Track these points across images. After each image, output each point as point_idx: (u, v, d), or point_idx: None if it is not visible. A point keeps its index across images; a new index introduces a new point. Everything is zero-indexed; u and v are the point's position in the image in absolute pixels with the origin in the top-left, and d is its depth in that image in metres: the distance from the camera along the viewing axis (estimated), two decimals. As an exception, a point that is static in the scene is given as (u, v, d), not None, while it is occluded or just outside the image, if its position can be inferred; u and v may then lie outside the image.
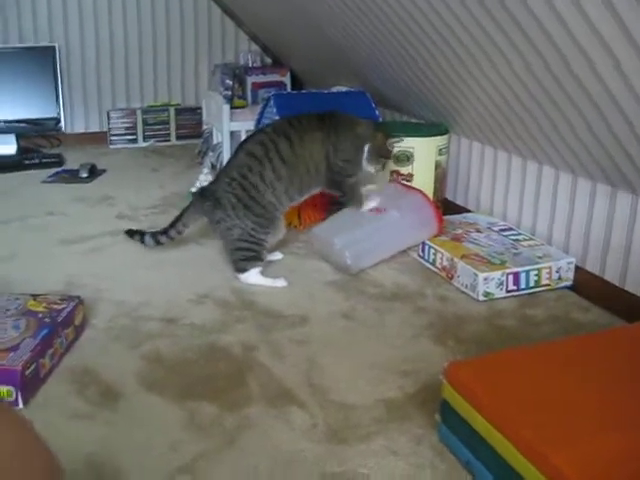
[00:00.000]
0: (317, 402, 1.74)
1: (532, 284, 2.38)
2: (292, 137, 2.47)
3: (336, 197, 2.64)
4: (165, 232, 2.53)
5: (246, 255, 2.43)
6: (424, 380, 1.83)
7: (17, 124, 4.16)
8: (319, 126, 2.53)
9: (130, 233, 2.61)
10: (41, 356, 1.78)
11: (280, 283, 2.43)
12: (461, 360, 1.85)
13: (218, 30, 4.82)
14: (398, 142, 2.66)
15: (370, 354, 1.98)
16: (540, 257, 2.44)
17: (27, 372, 1.70)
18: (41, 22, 4.37)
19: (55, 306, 1.97)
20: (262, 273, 2.44)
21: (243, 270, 2.43)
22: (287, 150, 2.45)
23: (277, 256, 2.63)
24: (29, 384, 1.72)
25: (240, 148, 2.52)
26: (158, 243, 2.55)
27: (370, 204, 2.61)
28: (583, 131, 2.16)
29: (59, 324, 1.90)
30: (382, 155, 2.61)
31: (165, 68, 4.74)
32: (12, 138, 4.13)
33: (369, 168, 2.61)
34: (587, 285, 2.39)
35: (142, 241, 2.57)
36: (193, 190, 3.36)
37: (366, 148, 2.57)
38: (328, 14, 3.23)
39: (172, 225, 2.52)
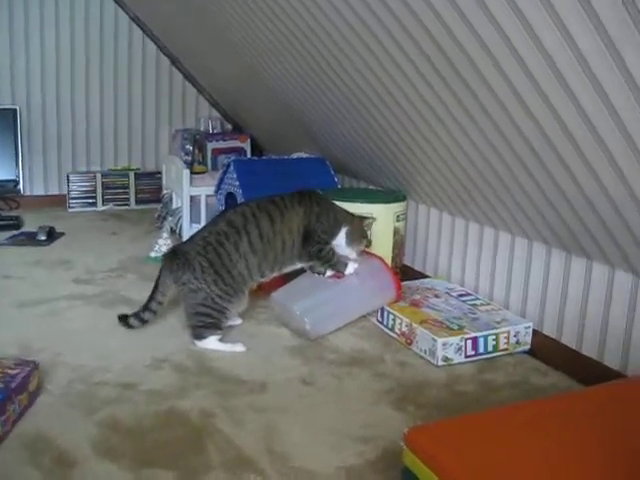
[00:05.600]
0: (277, 469, 1.71)
1: (490, 349, 2.39)
2: (273, 214, 2.49)
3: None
4: (147, 308, 2.49)
5: (206, 322, 2.40)
6: (385, 446, 1.81)
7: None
8: (300, 201, 2.55)
9: (120, 318, 2.53)
10: (-6, 423, 1.73)
11: (239, 348, 2.40)
12: (421, 425, 1.83)
13: (179, 96, 4.87)
14: (373, 222, 2.67)
15: (330, 420, 1.95)
16: (498, 322, 2.45)
17: (-21, 439, 1.65)
18: (3, 84, 4.38)
19: (9, 371, 1.92)
20: (221, 339, 2.42)
21: (201, 337, 2.41)
22: (267, 226, 2.46)
23: (236, 321, 2.61)
24: (-20, 452, 1.67)
25: (220, 216, 2.54)
26: (143, 321, 2.50)
27: (351, 268, 2.58)
28: (537, 196, 2.20)
29: (13, 390, 1.85)
30: (362, 236, 2.63)
31: (126, 132, 4.77)
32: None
33: (352, 251, 2.60)
34: (545, 349, 2.41)
35: (127, 324, 2.51)
36: (152, 255, 3.35)
37: (344, 232, 2.58)
38: (284, 82, 3.28)
39: (151, 298, 2.49)
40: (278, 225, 2.48)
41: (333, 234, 2.57)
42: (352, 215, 2.64)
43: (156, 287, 2.48)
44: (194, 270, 2.39)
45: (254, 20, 2.98)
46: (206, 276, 2.39)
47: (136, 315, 2.50)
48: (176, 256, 2.46)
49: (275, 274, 2.56)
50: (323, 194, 2.66)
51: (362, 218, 2.64)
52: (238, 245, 2.43)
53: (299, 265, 2.59)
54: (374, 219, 2.69)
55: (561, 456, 1.45)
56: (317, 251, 2.54)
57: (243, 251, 2.43)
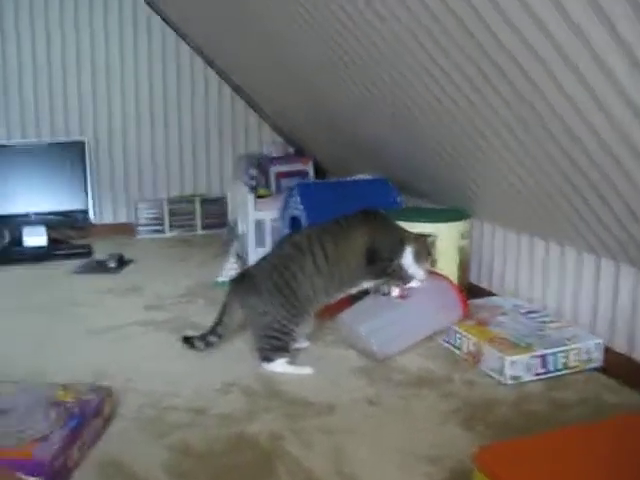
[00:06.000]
0: (346, 491, 1.72)
1: (560, 366, 2.36)
2: (337, 235, 2.51)
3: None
4: (213, 331, 2.53)
5: (274, 345, 2.43)
6: (453, 466, 1.80)
7: (47, 216, 4.27)
8: (363, 220, 2.57)
9: (185, 340, 2.58)
10: (70, 447, 1.77)
11: (306, 371, 2.42)
12: (491, 445, 1.81)
13: (242, 122, 4.94)
14: (435, 239, 2.67)
15: (397, 440, 1.95)
16: (567, 339, 2.42)
17: (56, 463, 1.70)
18: (72, 117, 4.53)
19: (84, 397, 1.97)
20: (289, 361, 2.44)
21: (269, 360, 2.43)
22: (332, 247, 2.48)
23: (303, 344, 2.63)
24: (57, 476, 1.71)
25: (286, 239, 2.58)
26: (209, 344, 2.53)
27: (415, 281, 2.59)
28: (604, 212, 2.17)
29: (88, 415, 1.90)
30: (428, 254, 2.62)
31: (191, 160, 4.87)
32: (42, 230, 4.22)
33: (419, 269, 2.59)
34: (616, 366, 2.36)
35: (191, 346, 2.55)
36: (219, 279, 3.39)
37: (410, 250, 2.57)
38: (346, 105, 3.30)
39: (218, 322, 2.52)
40: (342, 246, 2.50)
41: (397, 252, 2.57)
42: (414, 234, 2.64)
43: (223, 311, 2.52)
44: (261, 294, 2.42)
45: (322, 49, 3.01)
46: (273, 299, 2.42)
47: (202, 337, 2.54)
48: (243, 280, 2.50)
49: (341, 295, 2.57)
50: (386, 213, 2.67)
51: (424, 236, 2.64)
52: (304, 267, 2.45)
53: (365, 285, 2.60)
54: (435, 237, 2.68)
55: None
56: (383, 268, 2.55)
57: (309, 272, 2.45)
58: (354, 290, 2.59)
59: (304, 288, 2.45)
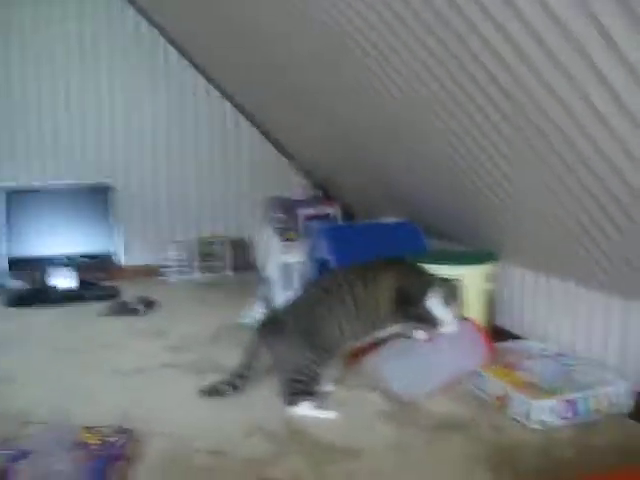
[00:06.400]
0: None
1: (589, 411, 2.32)
2: (365, 278, 2.50)
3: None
4: (239, 374, 2.52)
5: (299, 389, 2.42)
6: (480, 513, 1.78)
7: (78, 258, 4.32)
8: (389, 264, 2.58)
9: (207, 392, 2.54)
10: (93, 490, 1.78)
11: (331, 415, 2.40)
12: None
13: (271, 166, 4.98)
14: (458, 282, 2.66)
15: (424, 486, 1.93)
16: (596, 383, 2.38)
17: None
18: (100, 159, 4.60)
19: (109, 439, 1.98)
20: (315, 405, 2.43)
21: (294, 403, 2.42)
22: (360, 289, 2.47)
23: (329, 387, 2.61)
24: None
25: (314, 282, 2.60)
26: (236, 388, 2.52)
27: (448, 327, 2.57)
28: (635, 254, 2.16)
29: (113, 458, 1.90)
30: (454, 297, 2.60)
31: (220, 203, 4.92)
32: (73, 272, 4.26)
33: (448, 314, 2.56)
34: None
35: (216, 392, 2.52)
36: (247, 321, 3.39)
37: (438, 294, 2.55)
38: (372, 148, 3.33)
39: (244, 365, 2.52)
40: (371, 288, 2.49)
41: (425, 293, 2.56)
42: (441, 277, 2.62)
43: (249, 354, 2.52)
44: (289, 337, 2.42)
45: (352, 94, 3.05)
46: (300, 342, 2.41)
47: (229, 383, 2.52)
48: (271, 322, 2.50)
49: (369, 338, 2.57)
50: (410, 258, 2.67)
51: (451, 280, 2.63)
52: (332, 309, 2.45)
53: (394, 328, 2.59)
54: (458, 281, 2.67)
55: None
56: (412, 311, 2.54)
57: (336, 314, 2.44)
58: (382, 333, 2.58)
59: (331, 330, 2.44)
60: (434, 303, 2.56)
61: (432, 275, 2.63)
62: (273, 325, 2.48)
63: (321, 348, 2.42)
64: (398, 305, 2.52)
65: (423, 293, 2.56)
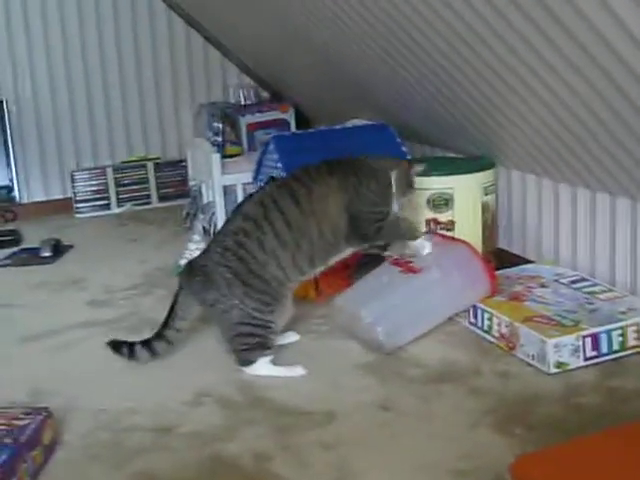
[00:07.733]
0: (354, 520, 1.72)
1: (616, 347, 2.36)
2: (297, 193, 2.47)
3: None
4: (160, 335, 2.49)
5: (250, 343, 2.41)
6: (487, 481, 1.80)
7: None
8: (330, 172, 2.54)
9: (115, 346, 2.52)
10: (2, 487, 1.77)
11: (297, 372, 2.42)
12: (532, 453, 1.81)
13: (200, 63, 4.89)
14: (422, 167, 2.64)
15: (416, 453, 1.95)
16: (624, 312, 2.41)
17: (-15, 509, 1.69)
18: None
19: (17, 422, 1.97)
20: (273, 361, 2.43)
21: (249, 362, 2.42)
22: (292, 209, 2.44)
23: (291, 338, 2.62)
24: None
25: (236, 210, 2.53)
26: (155, 354, 2.49)
27: (425, 247, 2.60)
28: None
29: (23, 445, 1.89)
30: (407, 184, 2.60)
31: (138, 115, 4.82)
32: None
33: (394, 203, 2.59)
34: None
35: (132, 356, 2.49)
36: (182, 262, 3.37)
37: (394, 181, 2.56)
38: (338, 36, 3.27)
39: (166, 324, 2.49)
40: (306, 205, 2.46)
41: (387, 199, 2.56)
42: (399, 160, 2.62)
43: (173, 310, 2.49)
44: (219, 286, 2.40)
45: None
46: (234, 289, 2.39)
47: (146, 343, 2.49)
48: (194, 272, 2.47)
49: (320, 269, 2.56)
50: (354, 156, 2.63)
51: (410, 163, 2.63)
52: (263, 242, 2.41)
53: (349, 252, 2.58)
54: (424, 164, 2.66)
55: None
56: (376, 231, 2.54)
57: (270, 248, 2.41)
58: (337, 259, 2.57)
59: (269, 268, 2.41)
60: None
61: (387, 160, 2.63)
62: (198, 275, 2.44)
63: (261, 291, 2.40)
64: (354, 227, 2.51)
65: (385, 203, 2.55)
